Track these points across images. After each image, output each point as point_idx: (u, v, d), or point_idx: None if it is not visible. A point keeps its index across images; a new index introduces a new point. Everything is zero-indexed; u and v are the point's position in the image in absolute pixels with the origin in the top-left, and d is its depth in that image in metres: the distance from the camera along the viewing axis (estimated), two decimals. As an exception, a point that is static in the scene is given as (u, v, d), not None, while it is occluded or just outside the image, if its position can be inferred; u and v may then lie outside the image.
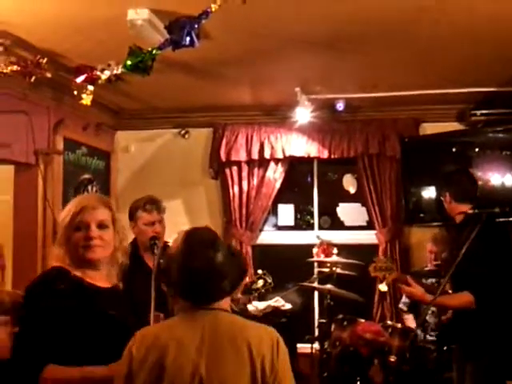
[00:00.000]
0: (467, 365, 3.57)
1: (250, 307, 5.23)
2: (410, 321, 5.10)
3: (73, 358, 2.18)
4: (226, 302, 2.02)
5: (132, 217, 3.72)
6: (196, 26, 2.70)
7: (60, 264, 2.35)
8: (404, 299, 5.24)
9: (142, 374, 1.85)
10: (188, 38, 2.74)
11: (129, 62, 3.28)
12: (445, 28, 3.69)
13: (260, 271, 4.50)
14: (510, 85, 4.87)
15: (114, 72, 3.47)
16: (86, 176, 5.45)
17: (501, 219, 3.63)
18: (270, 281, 4.34)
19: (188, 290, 1.97)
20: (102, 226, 2.36)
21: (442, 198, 3.82)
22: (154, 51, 3.11)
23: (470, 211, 3.58)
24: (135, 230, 3.71)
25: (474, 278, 3.43)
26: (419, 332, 4.59)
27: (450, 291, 3.78)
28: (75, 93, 3.56)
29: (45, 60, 3.53)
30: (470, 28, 3.67)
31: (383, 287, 3.89)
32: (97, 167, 5.71)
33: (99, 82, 3.58)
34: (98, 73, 3.52)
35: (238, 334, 1.92)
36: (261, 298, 5.58)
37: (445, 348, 4.27)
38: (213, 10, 2.61)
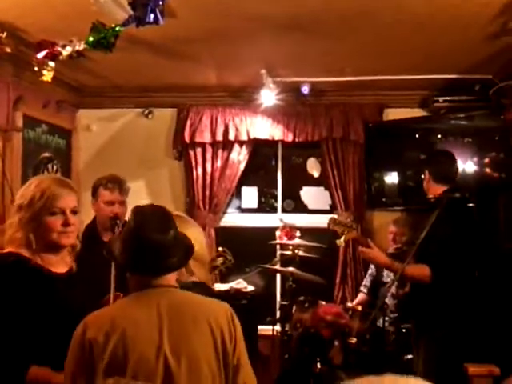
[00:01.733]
0: (421, 339, 3.64)
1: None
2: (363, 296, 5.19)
3: (35, 352, 2.17)
4: (172, 278, 2.01)
5: (94, 194, 3.68)
6: (160, 3, 2.65)
7: (16, 249, 2.30)
8: (365, 282, 5.30)
9: (104, 361, 1.80)
10: (152, 15, 2.69)
11: (91, 39, 3.21)
12: (408, 15, 3.70)
13: (220, 248, 4.49)
14: (471, 72, 4.93)
15: (76, 48, 3.40)
16: (46, 154, 5.34)
17: (461, 205, 3.69)
18: (230, 258, 4.34)
19: (138, 261, 1.94)
20: (74, 211, 2.41)
21: (424, 176, 3.84)
22: (117, 28, 3.06)
23: (431, 196, 3.64)
24: (95, 207, 3.67)
25: (435, 255, 3.48)
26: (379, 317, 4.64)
27: None
28: (36, 69, 3.48)
29: (4, 34, 3.44)
30: (433, 15, 3.69)
31: (341, 242, 3.89)
32: (57, 146, 5.59)
33: (60, 58, 3.50)
34: (60, 49, 3.44)
35: (196, 310, 1.94)
36: (223, 280, 5.59)
37: (404, 330, 4.34)
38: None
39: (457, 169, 3.88)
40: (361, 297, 5.31)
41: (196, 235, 2.32)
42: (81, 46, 3.33)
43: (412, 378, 1.00)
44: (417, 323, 3.79)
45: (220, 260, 4.21)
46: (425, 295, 3.59)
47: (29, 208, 2.33)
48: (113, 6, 3.32)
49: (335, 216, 3.99)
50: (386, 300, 4.53)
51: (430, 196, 3.74)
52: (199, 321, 1.91)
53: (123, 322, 1.86)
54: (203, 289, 2.26)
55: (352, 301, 5.36)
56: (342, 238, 3.86)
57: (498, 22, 3.73)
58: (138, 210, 2.02)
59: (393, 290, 4.56)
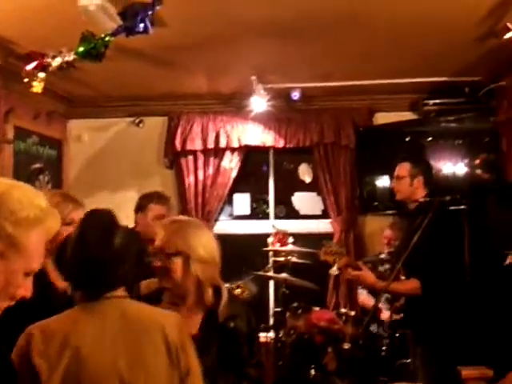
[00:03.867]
0: (418, 349, 3.67)
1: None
2: (364, 295, 5.15)
3: None
4: (123, 289, 1.94)
5: (142, 208, 3.82)
6: (150, 12, 2.66)
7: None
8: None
9: (56, 378, 1.72)
10: (142, 25, 2.70)
11: (81, 49, 3.22)
12: (396, 19, 3.73)
13: (241, 283, 4.53)
14: (461, 74, 4.96)
15: (66, 59, 3.41)
16: (37, 165, 5.33)
17: (452, 207, 3.71)
18: (248, 292, 4.37)
19: (82, 280, 1.87)
20: None
21: (412, 181, 3.85)
22: (106, 38, 3.06)
23: (422, 199, 3.66)
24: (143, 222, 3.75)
25: (424, 265, 3.51)
26: (373, 327, 4.66)
27: (403, 278, 3.85)
28: (26, 80, 3.48)
29: (-6, 46, 3.44)
30: (421, 19, 3.72)
31: (334, 271, 3.92)
32: (48, 156, 5.59)
33: (50, 69, 3.50)
34: (49, 60, 3.45)
35: (149, 323, 1.87)
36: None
37: (397, 335, 4.35)
38: (167, -4, 2.58)
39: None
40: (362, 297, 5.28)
41: (205, 240, 2.33)
42: (70, 57, 3.34)
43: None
44: (414, 332, 3.79)
45: (238, 291, 4.23)
46: (420, 306, 3.59)
47: None
48: (102, 15, 3.33)
49: (325, 246, 4.02)
50: (380, 305, 4.54)
51: (418, 199, 3.76)
52: (152, 331, 1.85)
53: (76, 338, 1.78)
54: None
55: (345, 307, 5.36)
56: (335, 267, 3.89)
57: (486, 25, 3.76)
58: (82, 221, 1.95)
59: (387, 295, 4.56)
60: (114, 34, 2.98)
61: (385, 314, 4.71)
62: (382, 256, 5.08)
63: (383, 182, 5.60)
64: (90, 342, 1.78)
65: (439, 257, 3.48)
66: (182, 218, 2.55)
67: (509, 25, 2.99)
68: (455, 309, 3.48)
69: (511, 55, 4.31)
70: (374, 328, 4.67)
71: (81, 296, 1.91)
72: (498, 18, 3.55)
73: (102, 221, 1.95)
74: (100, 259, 1.85)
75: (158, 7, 2.63)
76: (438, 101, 5.31)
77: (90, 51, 3.17)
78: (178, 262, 2.23)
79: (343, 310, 4.94)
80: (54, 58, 3.49)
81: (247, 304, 2.67)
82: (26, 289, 1.39)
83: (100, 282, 1.88)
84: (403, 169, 3.90)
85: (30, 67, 3.36)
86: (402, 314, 4.19)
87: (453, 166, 5.28)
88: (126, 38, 2.99)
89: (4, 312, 1.39)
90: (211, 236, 2.44)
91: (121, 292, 1.92)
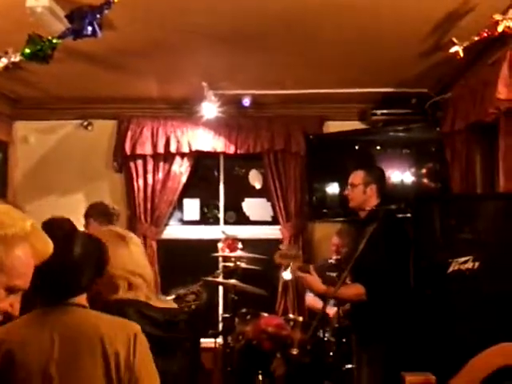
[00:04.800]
0: (363, 354, 3.72)
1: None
2: (311, 298, 5.18)
3: None
4: (82, 298, 1.91)
5: None
6: (98, 15, 2.62)
7: None
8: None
9: None
10: (90, 28, 2.66)
11: (27, 50, 3.15)
12: (346, 30, 3.79)
13: (197, 287, 4.49)
14: (408, 86, 5.06)
15: (12, 60, 3.32)
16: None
17: (399, 215, 3.78)
18: (203, 297, 4.34)
19: (39, 287, 1.79)
20: None
21: (366, 189, 3.90)
22: (54, 40, 3.00)
23: (369, 208, 3.73)
24: None
25: (369, 272, 3.56)
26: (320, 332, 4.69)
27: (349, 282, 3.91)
28: (-31, 80, 3.39)
29: None
30: (370, 31, 3.79)
31: (287, 275, 3.94)
32: (-7, 158, 5.45)
33: (-5, 70, 3.41)
34: (-6, 61, 3.35)
35: (91, 332, 1.81)
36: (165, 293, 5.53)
37: (344, 340, 4.39)
38: (115, 0, 2.54)
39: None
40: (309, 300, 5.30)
41: (135, 254, 2.29)
42: (17, 58, 3.26)
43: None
44: (359, 337, 3.86)
45: (192, 297, 4.19)
46: (364, 311, 3.67)
47: None
48: (50, 17, 3.27)
49: (281, 249, 4.05)
50: (327, 310, 4.57)
51: (368, 208, 3.83)
52: (93, 344, 1.79)
53: (10, 344, 1.75)
54: (136, 307, 2.19)
55: (293, 312, 5.39)
56: (289, 270, 3.92)
57: (432, 39, 3.85)
58: (42, 229, 1.93)
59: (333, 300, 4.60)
60: (61, 36, 2.93)
61: (332, 320, 4.76)
62: (331, 261, 5.13)
63: (333, 189, 5.67)
64: (22, 347, 1.75)
65: (384, 263, 3.55)
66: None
67: (454, 39, 3.08)
68: (399, 315, 3.54)
69: (456, 69, 4.43)
70: (321, 333, 4.71)
71: (40, 301, 1.89)
72: (444, 32, 3.64)
73: (62, 228, 1.94)
74: (60, 266, 1.81)
75: (106, 11, 2.60)
76: (385, 111, 5.40)
77: (36, 53, 3.10)
78: None
79: (291, 316, 4.98)
80: (-1, 58, 3.39)
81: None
82: (11, 305, 1.42)
83: (58, 289, 1.86)
84: (357, 177, 3.95)
85: (-26, 67, 3.27)
86: (348, 319, 4.24)
87: (400, 175, 5.38)
88: (74, 40, 2.94)
89: None
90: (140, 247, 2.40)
91: (80, 300, 1.90)
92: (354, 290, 3.66)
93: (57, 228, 1.94)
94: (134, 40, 3.98)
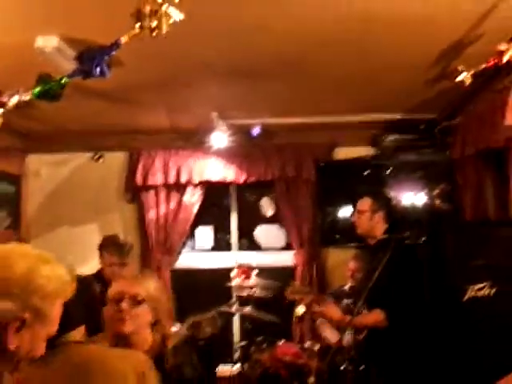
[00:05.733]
0: (381, 380, 3.68)
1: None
2: (328, 332, 5.11)
3: None
4: (78, 332, 1.89)
5: None
6: (106, 56, 2.64)
7: None
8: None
9: None
10: (98, 69, 2.68)
11: (37, 89, 3.18)
12: (355, 58, 3.79)
13: None
14: (416, 112, 5.06)
15: (23, 98, 3.36)
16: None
17: (411, 242, 3.76)
18: None
19: None
20: None
21: (373, 216, 3.90)
22: (63, 80, 3.03)
23: (380, 237, 3.73)
24: None
25: (385, 301, 3.54)
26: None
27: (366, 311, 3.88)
28: (-19, 118, 3.42)
29: None
30: (379, 59, 3.79)
31: (300, 309, 3.93)
32: (5, 192, 5.48)
33: (7, 107, 3.45)
34: (5, 99, 3.40)
35: (97, 370, 1.78)
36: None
37: (361, 368, 4.34)
38: (123, 41, 2.57)
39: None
40: None
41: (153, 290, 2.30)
42: (27, 97, 3.29)
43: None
44: (376, 365, 3.82)
45: (207, 324, 4.22)
46: (381, 338, 3.63)
47: None
48: (59, 57, 3.32)
49: (291, 285, 4.07)
50: (344, 342, 4.53)
51: (375, 234, 3.84)
52: (96, 377, 1.77)
53: None
54: None
55: (310, 340, 5.34)
56: (302, 303, 3.91)
57: (440, 65, 3.85)
58: None
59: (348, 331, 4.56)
60: (70, 76, 2.95)
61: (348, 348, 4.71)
62: (346, 288, 5.10)
63: (344, 214, 5.65)
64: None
65: (399, 293, 3.52)
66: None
67: (459, 68, 3.08)
68: (415, 344, 3.51)
69: (464, 95, 4.42)
70: (338, 362, 4.66)
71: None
72: (449, 61, 3.65)
73: None
74: None
75: (114, 52, 2.63)
76: (395, 137, 5.40)
77: (46, 92, 3.12)
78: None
79: (308, 344, 4.93)
80: (10, 97, 3.44)
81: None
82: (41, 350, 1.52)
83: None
84: (364, 203, 3.96)
85: (-15, 106, 3.30)
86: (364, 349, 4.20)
87: (412, 197, 5.35)
88: (83, 80, 2.97)
89: None
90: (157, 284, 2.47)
91: (76, 336, 1.88)
92: (373, 316, 3.64)
93: None
94: (143, 74, 4.01)
